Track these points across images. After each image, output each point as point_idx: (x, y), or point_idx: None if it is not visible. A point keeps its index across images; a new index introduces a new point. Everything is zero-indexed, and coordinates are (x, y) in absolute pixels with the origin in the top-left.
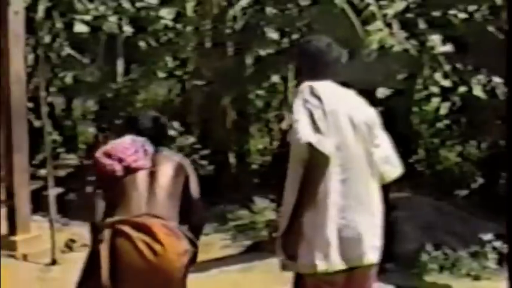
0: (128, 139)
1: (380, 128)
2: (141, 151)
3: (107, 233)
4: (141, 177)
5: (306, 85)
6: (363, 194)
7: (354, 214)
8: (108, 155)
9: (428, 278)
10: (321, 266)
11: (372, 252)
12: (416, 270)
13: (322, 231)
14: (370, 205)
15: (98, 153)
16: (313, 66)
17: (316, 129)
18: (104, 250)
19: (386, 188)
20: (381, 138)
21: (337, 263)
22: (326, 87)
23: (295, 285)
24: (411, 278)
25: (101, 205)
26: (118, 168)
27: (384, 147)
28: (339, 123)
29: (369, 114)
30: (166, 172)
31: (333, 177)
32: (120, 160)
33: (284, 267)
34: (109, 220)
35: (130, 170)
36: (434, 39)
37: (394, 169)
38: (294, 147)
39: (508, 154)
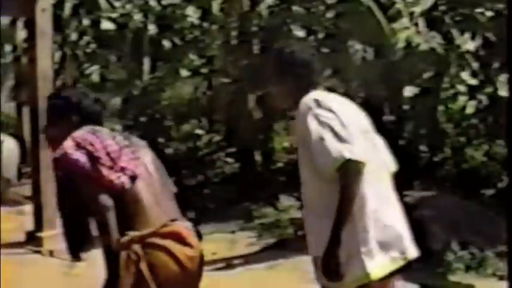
0: (106, 136)
1: (372, 127)
2: (129, 149)
3: (138, 249)
4: (142, 181)
5: (309, 100)
6: (389, 193)
7: (388, 214)
8: (110, 167)
9: (454, 278)
10: (375, 273)
11: (411, 246)
12: (441, 269)
13: (365, 239)
14: (395, 202)
15: (100, 166)
16: (302, 77)
17: (342, 140)
18: (144, 269)
19: None
20: (377, 140)
21: (388, 266)
22: (328, 97)
23: None
24: (436, 277)
25: (114, 221)
26: (126, 180)
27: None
28: (354, 129)
29: (366, 119)
30: (151, 164)
31: (364, 182)
32: (123, 169)
33: None
34: (136, 234)
35: (134, 178)
36: (461, 37)
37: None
38: (326, 167)
39: (508, 154)
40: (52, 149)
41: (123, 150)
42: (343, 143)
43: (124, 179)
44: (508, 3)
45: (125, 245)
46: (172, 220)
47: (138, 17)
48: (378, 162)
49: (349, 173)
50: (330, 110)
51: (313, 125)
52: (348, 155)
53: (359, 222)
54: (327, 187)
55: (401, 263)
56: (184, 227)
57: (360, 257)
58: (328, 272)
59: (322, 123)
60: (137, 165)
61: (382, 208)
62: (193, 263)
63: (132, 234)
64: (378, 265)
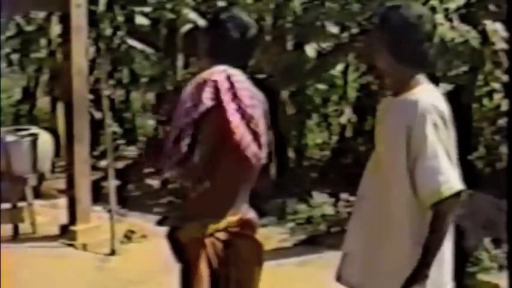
0: (244, 83)
1: None
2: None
3: (223, 236)
4: None
5: (428, 103)
6: None
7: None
8: (254, 133)
9: (487, 277)
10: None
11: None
12: (474, 268)
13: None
14: None
15: (241, 129)
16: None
17: (453, 165)
18: (232, 256)
19: None
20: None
21: None
22: (440, 100)
23: None
24: (468, 276)
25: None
26: (263, 155)
27: None
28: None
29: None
30: None
31: None
32: (258, 139)
33: None
34: (231, 219)
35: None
36: (496, 34)
37: None
38: (433, 189)
39: (508, 155)
40: None
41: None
42: (454, 170)
43: (263, 155)
44: (508, 3)
45: (210, 232)
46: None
47: (172, 13)
48: None
49: (451, 208)
50: (445, 123)
51: (431, 135)
52: (461, 186)
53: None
54: (415, 208)
55: None
56: (254, 214)
57: None
58: None
59: (439, 137)
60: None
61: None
62: (262, 252)
63: (221, 221)
64: None
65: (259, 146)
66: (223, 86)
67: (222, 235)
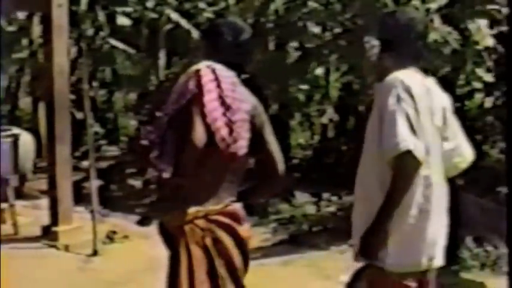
0: (229, 78)
1: (452, 115)
2: None
3: (202, 224)
4: None
5: (395, 79)
6: (441, 195)
7: (434, 216)
8: (228, 120)
9: (469, 275)
10: (419, 265)
11: (441, 255)
12: (456, 266)
13: (410, 233)
14: (445, 205)
15: (214, 114)
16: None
17: (413, 132)
18: (209, 244)
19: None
20: (451, 126)
21: (424, 264)
22: (414, 80)
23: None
24: (449, 275)
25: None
26: (233, 144)
27: (455, 135)
28: (425, 121)
29: (445, 102)
30: None
31: (418, 180)
32: (230, 126)
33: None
34: (202, 209)
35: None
36: (480, 33)
37: (463, 159)
38: (389, 151)
39: (508, 156)
40: None
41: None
42: (411, 134)
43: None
44: (508, 3)
45: (189, 218)
46: (232, 201)
47: (154, 12)
48: (437, 160)
49: (404, 165)
50: (412, 97)
51: (391, 105)
52: (411, 146)
53: (406, 218)
54: (381, 173)
55: (423, 268)
56: (240, 207)
57: (402, 248)
58: (364, 252)
59: (400, 107)
60: None
61: (432, 210)
62: (247, 244)
63: (200, 208)
64: (415, 261)
65: (230, 133)
66: (207, 76)
67: (201, 222)
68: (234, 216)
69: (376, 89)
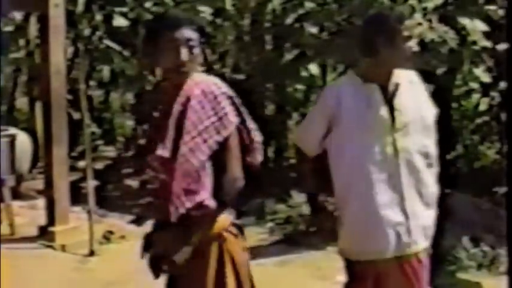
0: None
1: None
2: None
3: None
4: None
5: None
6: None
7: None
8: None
9: (466, 276)
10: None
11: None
12: (453, 267)
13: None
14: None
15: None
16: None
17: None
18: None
19: None
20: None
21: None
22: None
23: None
24: (446, 275)
25: None
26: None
27: None
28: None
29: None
30: None
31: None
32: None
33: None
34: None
35: None
36: (476, 34)
37: None
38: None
39: (508, 156)
40: None
41: None
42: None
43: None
44: (508, 3)
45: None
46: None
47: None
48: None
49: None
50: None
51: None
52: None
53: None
54: None
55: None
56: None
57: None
58: None
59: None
60: None
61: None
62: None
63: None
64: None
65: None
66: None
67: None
68: (236, 226)
69: None
